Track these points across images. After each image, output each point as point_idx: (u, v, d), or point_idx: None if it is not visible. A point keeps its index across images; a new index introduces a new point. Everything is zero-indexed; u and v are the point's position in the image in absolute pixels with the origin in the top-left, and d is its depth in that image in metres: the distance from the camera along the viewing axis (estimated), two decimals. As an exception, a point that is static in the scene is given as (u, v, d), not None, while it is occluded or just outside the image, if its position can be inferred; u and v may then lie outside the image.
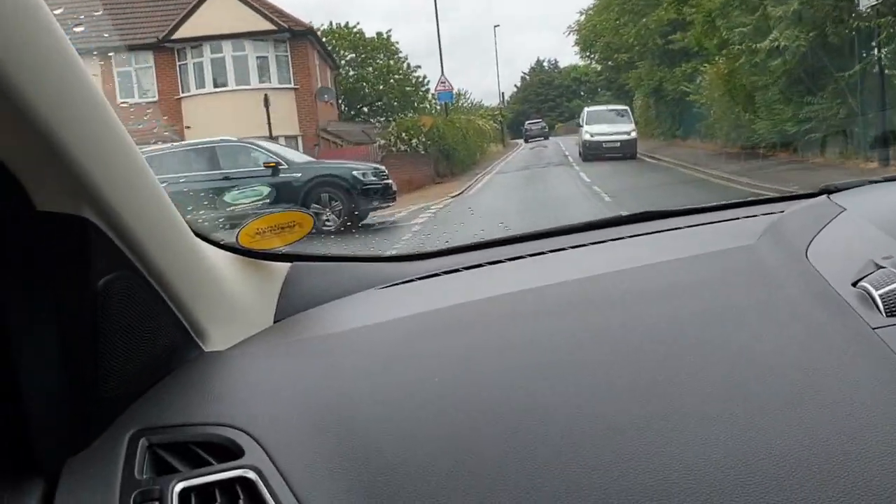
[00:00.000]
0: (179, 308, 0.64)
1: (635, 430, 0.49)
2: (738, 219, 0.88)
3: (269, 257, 0.79)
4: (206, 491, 0.50)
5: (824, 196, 0.82)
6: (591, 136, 15.37)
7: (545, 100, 55.62)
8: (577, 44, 29.15)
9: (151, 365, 0.62)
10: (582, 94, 54.82)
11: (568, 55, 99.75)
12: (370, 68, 25.11)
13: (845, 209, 0.74)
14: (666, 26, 17.18)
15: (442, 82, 18.62)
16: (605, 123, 15.73)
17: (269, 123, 12.04)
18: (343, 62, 24.82)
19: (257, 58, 15.53)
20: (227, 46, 15.20)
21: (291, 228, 0.79)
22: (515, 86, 63.18)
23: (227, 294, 0.71)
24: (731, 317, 0.60)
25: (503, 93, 64.97)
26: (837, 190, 0.85)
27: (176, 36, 14.91)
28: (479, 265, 0.85)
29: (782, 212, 0.81)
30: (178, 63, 15.48)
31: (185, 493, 0.50)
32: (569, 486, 0.46)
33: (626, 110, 17.64)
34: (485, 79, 72.55)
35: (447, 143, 14.55)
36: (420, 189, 12.04)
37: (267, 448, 0.53)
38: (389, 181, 8.21)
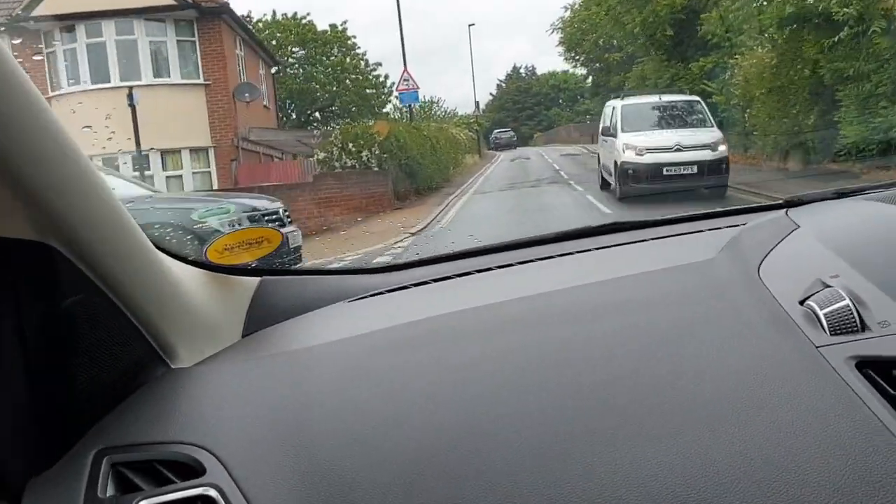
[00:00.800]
0: (145, 326, 0.64)
1: (587, 446, 0.50)
2: (701, 231, 0.90)
3: (238, 272, 0.80)
4: None
5: (783, 211, 0.83)
6: (639, 153, 7.67)
7: (522, 108, 52.39)
8: (561, 43, 25.89)
9: (117, 383, 0.63)
10: (561, 101, 52.08)
11: (546, 62, 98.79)
12: (320, 66, 20.76)
13: (799, 226, 0.75)
14: (679, 13, 14.05)
15: (405, 80, 14.73)
16: (664, 129, 8.28)
17: (137, 131, 8.34)
18: (292, 59, 20.44)
19: (151, 43, 11.47)
20: (108, 28, 11.12)
21: (260, 244, 0.80)
22: (491, 94, 60.01)
23: (194, 310, 0.71)
24: (683, 334, 0.61)
25: (478, 101, 62.46)
26: (801, 202, 0.87)
27: (37, 12, 10.86)
28: (449, 277, 0.87)
29: (744, 224, 0.82)
30: (44, 51, 11.38)
31: None
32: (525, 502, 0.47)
33: (697, 103, 9.08)
34: (460, 87, 73.07)
35: (410, 157, 11.05)
36: (371, 218, 9.18)
37: (228, 466, 0.54)
38: (287, 229, 4.46)
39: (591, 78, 27.67)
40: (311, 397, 0.61)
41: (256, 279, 0.82)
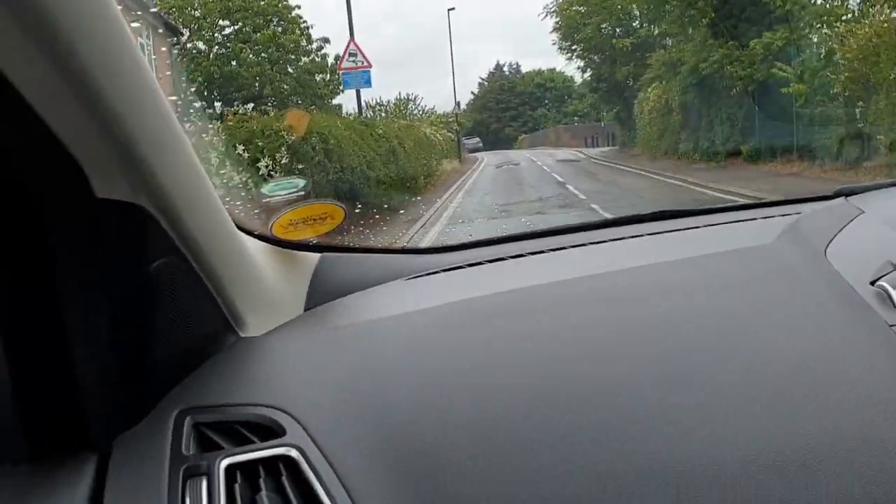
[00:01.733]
0: (220, 294, 0.66)
1: (660, 420, 0.50)
2: (755, 220, 0.91)
3: (301, 248, 0.83)
4: (251, 468, 0.51)
5: (842, 198, 0.85)
6: None
7: (506, 108, 48.51)
8: (556, 29, 20.44)
9: (194, 348, 0.65)
10: (547, 102, 48.51)
11: (531, 60, 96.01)
12: (251, 43, 15.38)
13: (863, 211, 0.77)
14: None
15: (351, 56, 9.99)
16: None
17: None
18: (218, 35, 15.19)
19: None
20: None
21: (323, 220, 0.81)
22: (472, 93, 55.12)
23: (261, 283, 0.74)
24: (750, 314, 0.62)
25: (458, 102, 58.73)
26: (853, 193, 0.88)
27: None
28: (502, 259, 0.89)
29: (799, 213, 0.84)
30: None
31: (230, 470, 0.51)
32: (598, 471, 0.47)
33: None
34: (443, 89, 71.68)
35: (349, 167, 6.87)
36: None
37: (307, 428, 0.55)
38: None
39: (588, 73, 22.78)
40: (380, 366, 0.63)
41: (317, 255, 0.86)
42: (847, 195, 0.88)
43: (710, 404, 0.50)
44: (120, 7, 0.45)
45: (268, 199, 0.85)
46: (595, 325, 0.63)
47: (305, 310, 0.79)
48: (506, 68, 53.87)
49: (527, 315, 0.68)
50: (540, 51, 77.49)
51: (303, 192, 0.87)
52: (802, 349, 0.55)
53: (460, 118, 23.24)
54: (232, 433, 0.55)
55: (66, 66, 0.41)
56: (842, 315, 0.58)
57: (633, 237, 0.92)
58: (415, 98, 30.51)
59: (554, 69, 50.41)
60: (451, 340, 0.66)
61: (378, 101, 30.71)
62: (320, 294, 0.81)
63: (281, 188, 0.87)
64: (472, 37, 72.94)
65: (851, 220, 0.75)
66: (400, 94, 32.02)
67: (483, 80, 54.36)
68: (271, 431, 0.54)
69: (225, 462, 0.50)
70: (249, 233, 0.76)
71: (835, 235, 0.72)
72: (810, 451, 0.46)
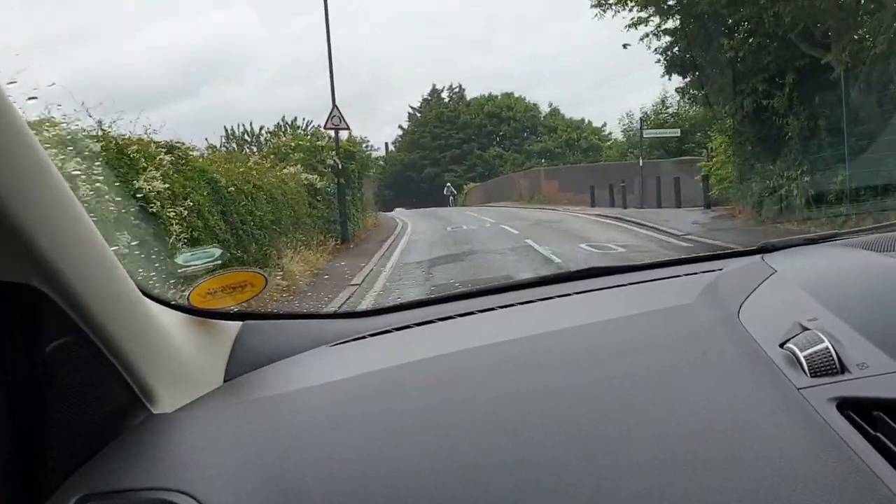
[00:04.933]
0: (128, 371, 0.86)
1: (572, 489, 0.68)
2: (678, 276, 1.27)
3: (220, 316, 1.09)
4: None
5: (759, 256, 1.17)
6: None
7: (446, 146, 49.41)
8: None
9: (99, 429, 0.83)
10: (499, 138, 49.26)
11: (478, 85, 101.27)
12: None
13: (776, 271, 1.04)
14: None
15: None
16: None
17: None
18: None
19: None
20: None
21: (243, 288, 1.08)
22: (401, 127, 56.23)
23: (176, 355, 0.96)
24: (668, 378, 0.83)
25: (387, 142, 57.68)
26: (774, 248, 1.24)
27: None
28: (431, 321, 1.19)
29: (720, 269, 1.17)
30: None
31: None
32: None
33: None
34: (379, 132, 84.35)
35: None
36: None
37: None
38: None
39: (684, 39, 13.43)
40: (291, 443, 0.82)
41: (238, 323, 1.11)
42: (770, 250, 1.22)
43: (622, 470, 0.68)
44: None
45: (183, 269, 1.13)
46: (512, 394, 0.85)
47: (225, 380, 1.03)
48: (445, 93, 54.36)
49: (443, 384, 0.90)
50: (491, 73, 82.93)
51: (219, 262, 1.14)
52: (712, 413, 0.74)
53: (359, 147, 19.95)
54: None
55: None
56: (752, 378, 0.78)
57: (561, 296, 1.26)
58: (304, 124, 26.56)
59: (511, 94, 51.56)
60: (366, 413, 0.86)
61: (246, 128, 27.29)
62: (241, 364, 1.06)
63: (196, 258, 1.14)
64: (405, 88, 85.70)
65: (764, 280, 1.01)
66: (284, 118, 28.37)
67: (414, 109, 54.88)
68: None
69: None
70: (165, 303, 0.99)
71: (748, 296, 0.97)
72: None
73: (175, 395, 0.93)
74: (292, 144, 16.07)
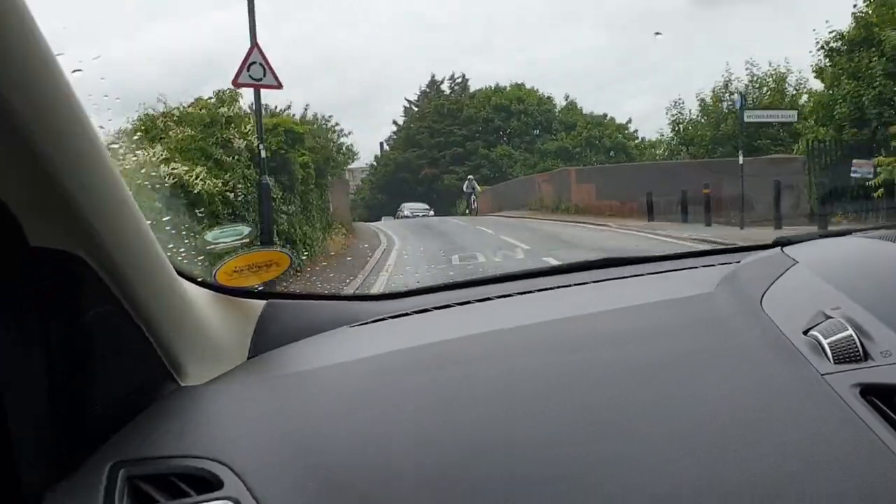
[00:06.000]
0: (159, 343, 1.01)
1: (599, 469, 0.79)
2: (696, 268, 1.47)
3: (245, 295, 1.28)
4: None
5: (778, 248, 1.34)
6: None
7: (446, 143, 49.28)
8: None
9: (131, 398, 0.98)
10: (507, 135, 48.96)
11: (482, 76, 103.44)
12: None
13: (797, 262, 1.20)
14: None
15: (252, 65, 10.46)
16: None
17: None
18: None
19: None
20: None
21: (268, 267, 1.28)
22: (395, 122, 56.16)
23: (204, 330, 1.13)
24: (687, 363, 0.96)
25: (382, 142, 57.25)
26: (790, 243, 1.40)
27: None
28: (449, 305, 1.38)
29: (738, 262, 1.34)
30: None
31: None
32: None
33: None
34: (377, 133, 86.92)
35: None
36: None
37: (245, 480, 0.82)
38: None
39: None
40: (320, 416, 0.96)
41: (262, 302, 1.30)
42: (784, 245, 1.37)
43: (644, 454, 0.79)
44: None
45: (212, 247, 1.32)
46: (534, 375, 0.98)
47: (249, 357, 1.20)
48: (445, 84, 54.35)
49: (466, 364, 1.04)
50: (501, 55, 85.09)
51: (247, 239, 1.33)
52: (735, 398, 0.86)
53: (386, 158, 16.93)
54: (168, 486, 0.82)
55: None
56: (775, 364, 0.90)
57: (578, 284, 1.44)
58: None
59: (522, 85, 51.17)
60: (392, 390, 1.00)
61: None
62: (265, 341, 1.23)
63: (225, 235, 1.33)
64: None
65: (786, 271, 1.16)
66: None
67: (411, 102, 55.01)
68: (209, 484, 0.81)
69: None
70: (192, 280, 1.15)
71: (770, 285, 1.11)
72: (734, 499, 0.73)
73: (202, 369, 1.09)
74: (176, 114, 10.76)
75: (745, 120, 19.57)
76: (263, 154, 10.67)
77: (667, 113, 31.56)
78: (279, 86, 11.06)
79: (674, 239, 14.96)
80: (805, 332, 0.94)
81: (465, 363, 1.05)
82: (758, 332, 0.99)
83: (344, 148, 24.88)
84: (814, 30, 20.83)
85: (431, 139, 50.40)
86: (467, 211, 35.68)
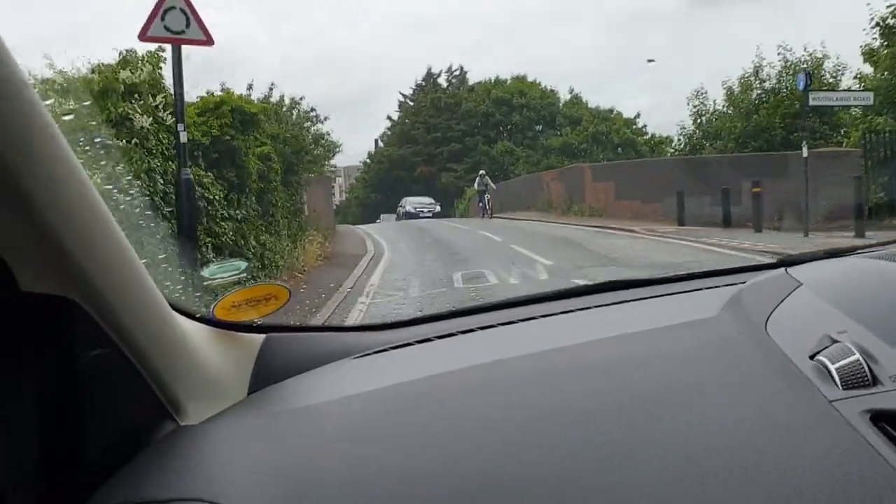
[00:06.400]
0: (157, 383, 1.07)
1: (605, 501, 0.83)
2: (700, 290, 1.55)
3: (245, 329, 1.35)
4: None
5: (782, 269, 1.39)
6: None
7: (443, 139, 49.61)
8: None
9: (129, 439, 1.04)
10: (507, 130, 48.82)
11: (480, 69, 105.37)
12: None
13: (801, 283, 1.25)
14: None
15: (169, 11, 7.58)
16: None
17: None
18: None
19: None
20: None
21: (267, 301, 1.35)
22: (389, 118, 56.66)
23: (202, 368, 1.20)
24: (692, 391, 1.00)
25: (376, 139, 57.69)
26: (794, 262, 1.48)
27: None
28: (452, 334, 1.45)
29: (743, 282, 1.38)
30: None
31: None
32: None
33: None
34: (374, 133, 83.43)
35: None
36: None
37: None
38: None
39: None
40: (316, 456, 1.00)
41: (262, 336, 1.37)
42: (789, 264, 1.44)
43: (649, 486, 0.83)
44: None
45: (209, 282, 1.38)
46: (536, 407, 1.02)
47: (250, 392, 1.27)
48: (443, 77, 54.70)
49: (467, 398, 1.09)
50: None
51: (245, 274, 1.40)
52: (741, 426, 0.89)
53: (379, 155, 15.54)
54: None
55: None
56: (782, 390, 0.93)
57: (582, 309, 1.53)
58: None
59: (524, 77, 51.36)
60: (393, 425, 1.05)
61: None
62: (265, 376, 1.30)
63: (222, 271, 1.40)
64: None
65: (791, 293, 1.21)
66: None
67: (406, 97, 55.39)
68: None
69: None
70: (190, 316, 1.22)
71: (775, 308, 1.16)
72: None
73: (201, 407, 1.15)
74: (58, 82, 7.45)
75: (811, 103, 16.20)
76: (184, 138, 7.97)
77: (688, 104, 30.21)
78: (208, 40, 8.21)
79: (732, 250, 13.13)
80: (811, 357, 0.97)
81: (464, 396, 1.11)
82: (763, 358, 1.03)
83: (324, 139, 22.21)
84: (867, 3, 18.82)
85: (428, 135, 50.63)
86: (483, 215, 30.97)
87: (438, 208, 39.64)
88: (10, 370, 0.85)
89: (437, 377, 1.19)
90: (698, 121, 29.99)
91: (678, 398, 0.99)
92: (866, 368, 0.89)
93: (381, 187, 51.24)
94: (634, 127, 45.39)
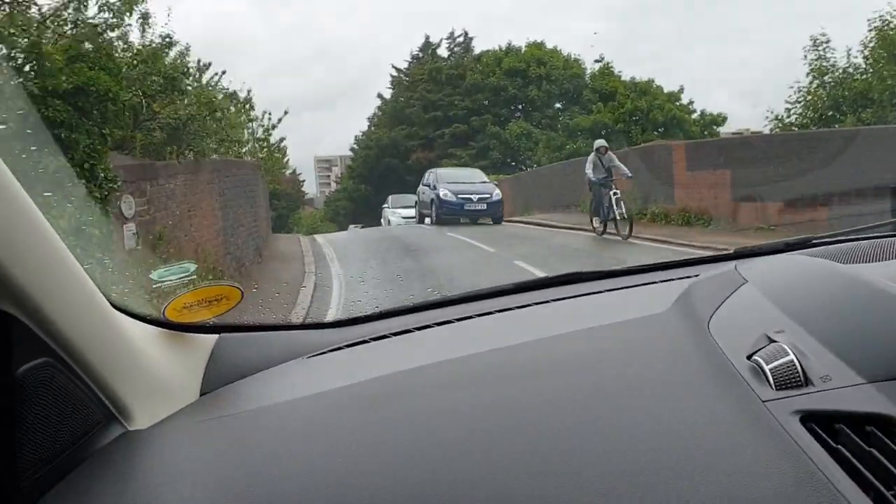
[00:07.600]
0: (101, 389, 1.22)
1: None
2: (654, 283, 1.90)
3: (196, 329, 1.55)
4: None
5: (732, 264, 1.65)
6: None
7: (444, 119, 48.65)
8: None
9: (73, 448, 1.16)
10: (520, 109, 48.31)
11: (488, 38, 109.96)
12: None
13: (747, 281, 1.47)
14: None
15: None
16: None
17: None
18: None
19: None
20: None
21: (219, 301, 1.54)
22: (380, 96, 56.42)
23: (151, 370, 1.36)
24: (631, 390, 1.17)
25: (368, 118, 57.24)
26: (748, 254, 1.90)
27: None
28: (408, 331, 1.75)
29: (697, 275, 1.70)
30: None
31: None
32: None
33: None
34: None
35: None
36: None
37: None
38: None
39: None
40: (266, 458, 1.14)
41: (215, 336, 1.59)
42: (742, 257, 1.76)
43: (582, 486, 0.94)
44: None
45: (158, 285, 1.51)
46: (482, 406, 1.20)
47: (202, 394, 1.46)
48: (444, 45, 53.88)
49: (417, 397, 1.28)
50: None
51: (194, 276, 1.53)
52: (676, 427, 1.02)
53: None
54: None
55: None
56: (718, 391, 1.08)
57: (540, 303, 1.86)
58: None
59: (542, 43, 50.01)
60: (341, 426, 1.21)
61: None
62: (217, 377, 1.51)
63: (171, 273, 1.54)
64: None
65: (735, 290, 1.43)
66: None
67: (400, 71, 54.61)
68: None
69: None
70: (140, 317, 1.40)
71: (719, 306, 1.37)
72: None
73: (150, 410, 1.31)
74: None
75: None
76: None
77: (805, 58, 26.40)
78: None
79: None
80: (748, 357, 1.12)
81: (417, 395, 1.29)
82: (702, 356, 1.21)
83: (237, 102, 18.93)
84: None
85: (425, 114, 49.93)
86: (604, 228, 18.95)
87: (498, 194, 27.89)
88: None
89: (390, 376, 1.39)
90: (822, 82, 26.06)
91: (618, 399, 1.15)
92: (799, 369, 1.03)
93: (371, 178, 50.83)
94: (679, 103, 43.83)
